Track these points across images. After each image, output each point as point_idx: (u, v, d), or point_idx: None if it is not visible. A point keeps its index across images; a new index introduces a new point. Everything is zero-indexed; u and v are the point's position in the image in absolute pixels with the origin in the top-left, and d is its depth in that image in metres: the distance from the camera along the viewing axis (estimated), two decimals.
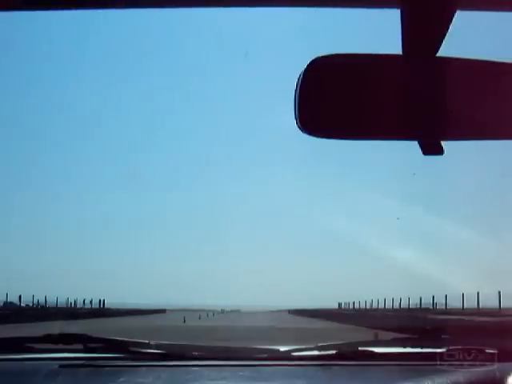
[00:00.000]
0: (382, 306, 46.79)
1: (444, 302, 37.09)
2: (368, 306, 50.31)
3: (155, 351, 2.31)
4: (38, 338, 2.38)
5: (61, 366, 2.16)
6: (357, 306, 53.08)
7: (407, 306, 41.55)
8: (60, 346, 2.31)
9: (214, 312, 59.18)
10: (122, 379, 2.04)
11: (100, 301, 54.14)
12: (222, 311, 70.20)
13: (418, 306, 40.22)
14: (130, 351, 2.31)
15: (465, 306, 34.49)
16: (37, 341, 2.39)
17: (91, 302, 53.63)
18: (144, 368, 2.18)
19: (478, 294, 33.51)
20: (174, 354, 2.32)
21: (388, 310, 42.53)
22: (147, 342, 2.35)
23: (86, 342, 2.32)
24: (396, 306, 44.22)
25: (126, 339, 2.41)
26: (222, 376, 2.13)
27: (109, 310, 48.57)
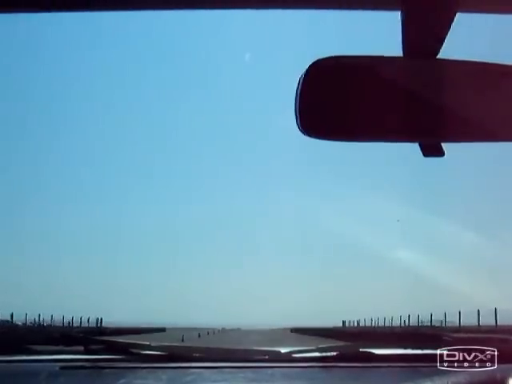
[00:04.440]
0: (388, 323, 45.30)
1: (457, 319, 35.62)
2: (374, 324, 48.49)
3: (156, 353, 2.31)
4: (39, 340, 2.39)
5: (61, 368, 2.16)
6: (362, 323, 51.05)
7: (416, 324, 40.23)
8: (61, 347, 2.32)
9: (214, 330, 57.42)
10: (122, 381, 2.04)
11: (97, 319, 52.42)
12: (223, 330, 68.54)
13: (429, 324, 38.87)
14: (130, 353, 2.31)
15: (481, 323, 31.83)
16: (37, 342, 2.39)
17: (88, 320, 51.89)
18: (145, 370, 2.18)
19: (495, 310, 30.99)
20: (174, 355, 2.33)
21: (397, 327, 40.74)
22: (148, 343, 2.35)
23: (86, 343, 2.32)
24: (404, 323, 42.72)
25: (126, 341, 2.41)
26: (223, 377, 2.14)
27: (106, 329, 46.79)
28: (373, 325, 47.91)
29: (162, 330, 56.05)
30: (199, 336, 39.78)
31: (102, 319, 50.48)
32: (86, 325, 48.80)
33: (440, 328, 33.52)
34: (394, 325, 43.06)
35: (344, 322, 53.71)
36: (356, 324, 51.93)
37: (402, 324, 41.66)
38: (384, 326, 44.08)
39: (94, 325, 49.28)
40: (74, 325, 48.44)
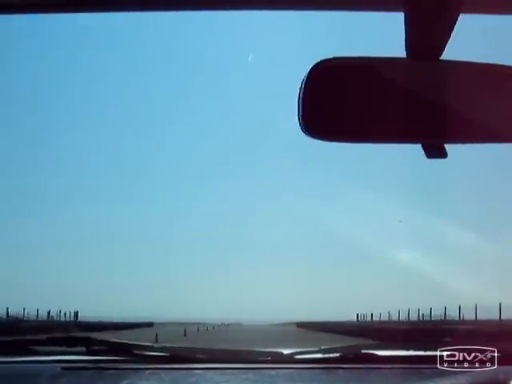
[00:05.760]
0: (395, 317, 44.77)
1: (457, 313, 35.41)
2: (384, 319, 47.41)
3: (158, 354, 2.31)
4: (41, 341, 2.39)
5: (63, 369, 2.16)
6: (376, 318, 49.63)
7: (415, 317, 39.94)
8: (63, 348, 2.32)
9: (207, 326, 49.65)
10: (124, 382, 2.05)
11: (75, 313, 44.61)
12: (222, 324, 61.73)
13: (440, 318, 38.68)
14: (133, 354, 2.31)
15: (483, 318, 31.09)
16: (39, 343, 2.39)
17: (65, 314, 44.98)
18: (147, 371, 2.18)
19: (500, 304, 30.03)
20: (177, 356, 2.33)
21: (405, 322, 40.11)
22: (150, 344, 2.36)
23: (88, 344, 2.32)
24: (422, 317, 42.25)
25: (129, 342, 2.41)
26: (225, 379, 2.13)
27: (81, 323, 39.34)
28: (383, 319, 47.21)
29: (149, 324, 50.45)
30: (185, 334, 32.45)
31: (77, 313, 44.99)
32: (63, 319, 44.22)
33: (447, 322, 33.20)
34: (400, 319, 42.71)
35: (358, 316, 52.23)
36: (370, 318, 50.67)
37: (412, 319, 41.29)
38: (392, 321, 43.63)
39: (72, 319, 43.85)
40: (50, 319, 43.30)
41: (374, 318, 48.81)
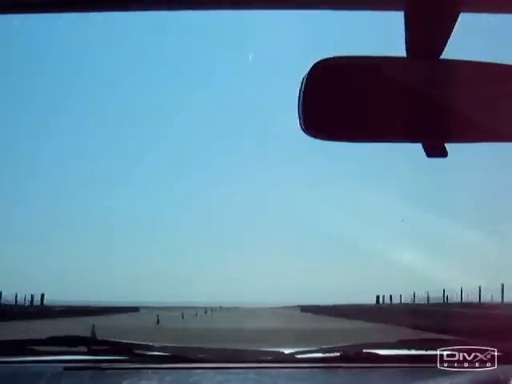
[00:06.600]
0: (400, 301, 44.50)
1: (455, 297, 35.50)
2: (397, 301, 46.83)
3: (159, 353, 2.31)
4: (43, 341, 2.39)
5: (65, 369, 2.17)
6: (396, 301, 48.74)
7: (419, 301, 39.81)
8: (64, 348, 2.32)
9: (197, 311, 42.56)
10: (126, 381, 2.05)
11: (42, 296, 38.40)
12: (213, 310, 52.47)
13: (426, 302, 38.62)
14: (134, 353, 2.31)
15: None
16: (41, 343, 2.40)
17: (32, 297, 38.70)
18: (148, 370, 2.19)
19: (502, 285, 28.83)
20: (178, 356, 2.33)
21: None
22: (151, 344, 2.36)
23: (90, 344, 2.32)
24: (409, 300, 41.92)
25: (129, 341, 2.42)
26: (227, 378, 2.14)
27: (47, 308, 34.11)
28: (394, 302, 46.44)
29: (134, 309, 46.27)
30: (158, 322, 25.92)
31: (43, 296, 40.02)
32: (28, 302, 39.37)
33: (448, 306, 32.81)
34: (404, 303, 42.26)
35: (378, 298, 51.13)
36: (389, 301, 49.67)
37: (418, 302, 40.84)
38: (397, 304, 43.08)
39: (38, 302, 39.50)
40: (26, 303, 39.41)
41: (388, 301, 48.26)
